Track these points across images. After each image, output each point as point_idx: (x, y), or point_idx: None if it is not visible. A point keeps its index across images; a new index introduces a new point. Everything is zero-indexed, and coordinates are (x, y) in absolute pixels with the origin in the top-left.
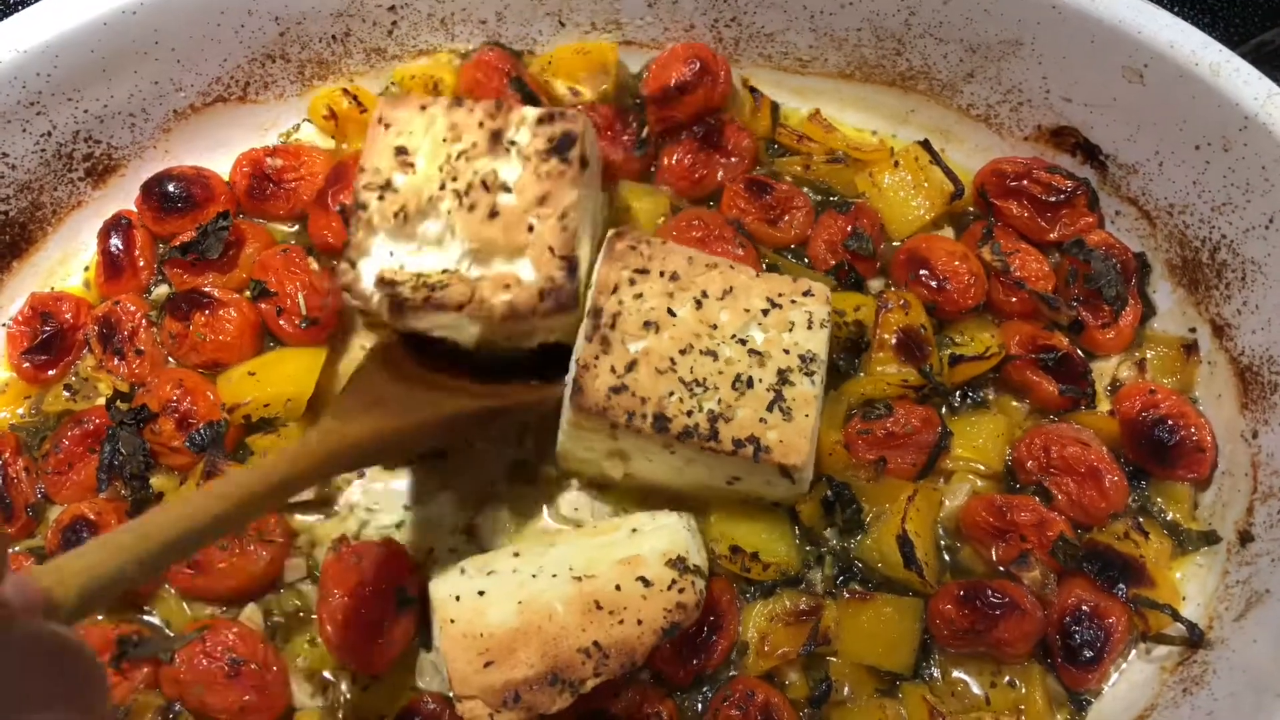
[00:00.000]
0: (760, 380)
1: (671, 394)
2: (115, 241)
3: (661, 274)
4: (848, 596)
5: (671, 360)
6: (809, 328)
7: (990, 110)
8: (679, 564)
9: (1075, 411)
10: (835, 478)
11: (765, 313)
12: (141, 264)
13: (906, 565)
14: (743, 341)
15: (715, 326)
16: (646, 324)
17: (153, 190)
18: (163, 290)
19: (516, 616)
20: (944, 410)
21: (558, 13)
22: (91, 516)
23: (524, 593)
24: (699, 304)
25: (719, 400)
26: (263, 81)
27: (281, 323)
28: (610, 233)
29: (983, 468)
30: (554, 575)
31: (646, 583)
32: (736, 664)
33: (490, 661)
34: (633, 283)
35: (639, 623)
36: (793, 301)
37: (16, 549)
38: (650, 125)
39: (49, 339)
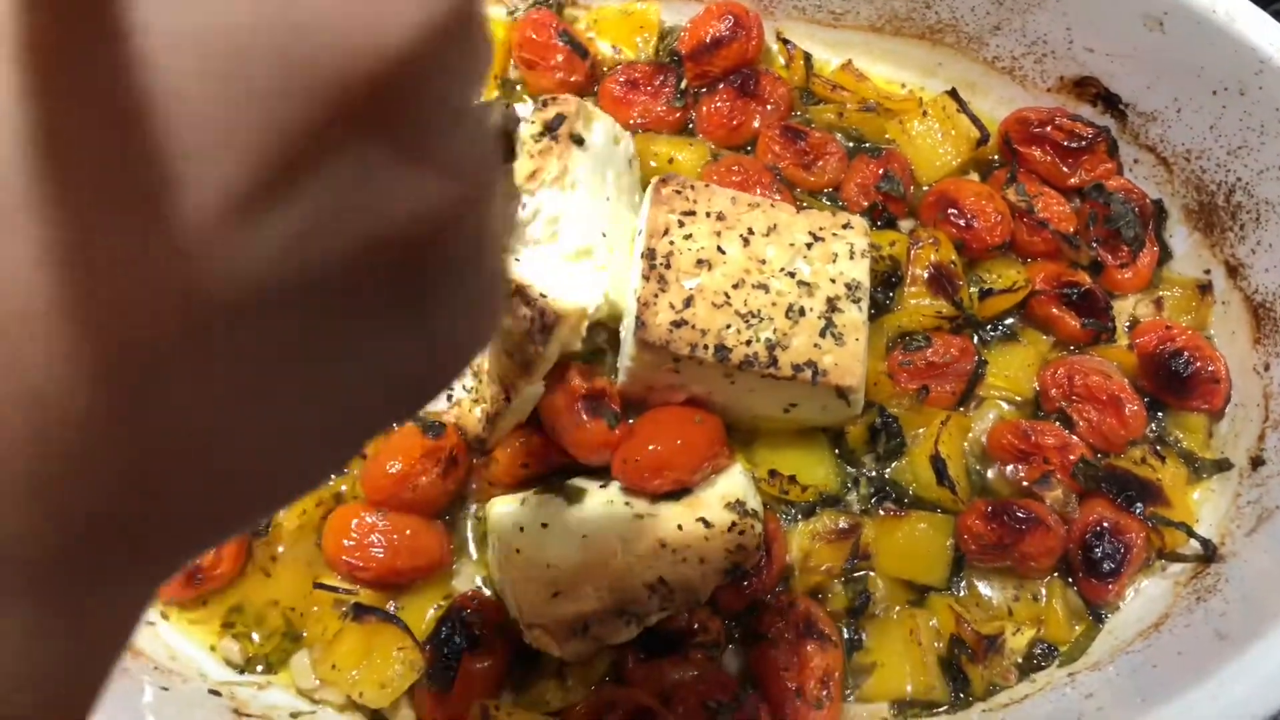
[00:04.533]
0: (811, 309)
1: (729, 326)
2: None
3: (708, 214)
4: (883, 514)
5: (726, 295)
6: (851, 258)
7: (1015, 62)
8: (738, 507)
9: (1097, 345)
10: (886, 408)
11: (809, 246)
12: None
13: (939, 482)
14: (791, 274)
15: (764, 261)
16: (699, 262)
17: None
18: None
19: (580, 551)
20: (976, 341)
21: None
22: None
23: (588, 528)
24: (746, 241)
25: (774, 330)
26: None
27: None
28: (655, 180)
29: (1016, 396)
30: (617, 515)
31: (707, 524)
32: (785, 587)
33: (559, 592)
34: (681, 224)
35: (701, 561)
36: (834, 234)
37: None
38: (688, 79)
39: None
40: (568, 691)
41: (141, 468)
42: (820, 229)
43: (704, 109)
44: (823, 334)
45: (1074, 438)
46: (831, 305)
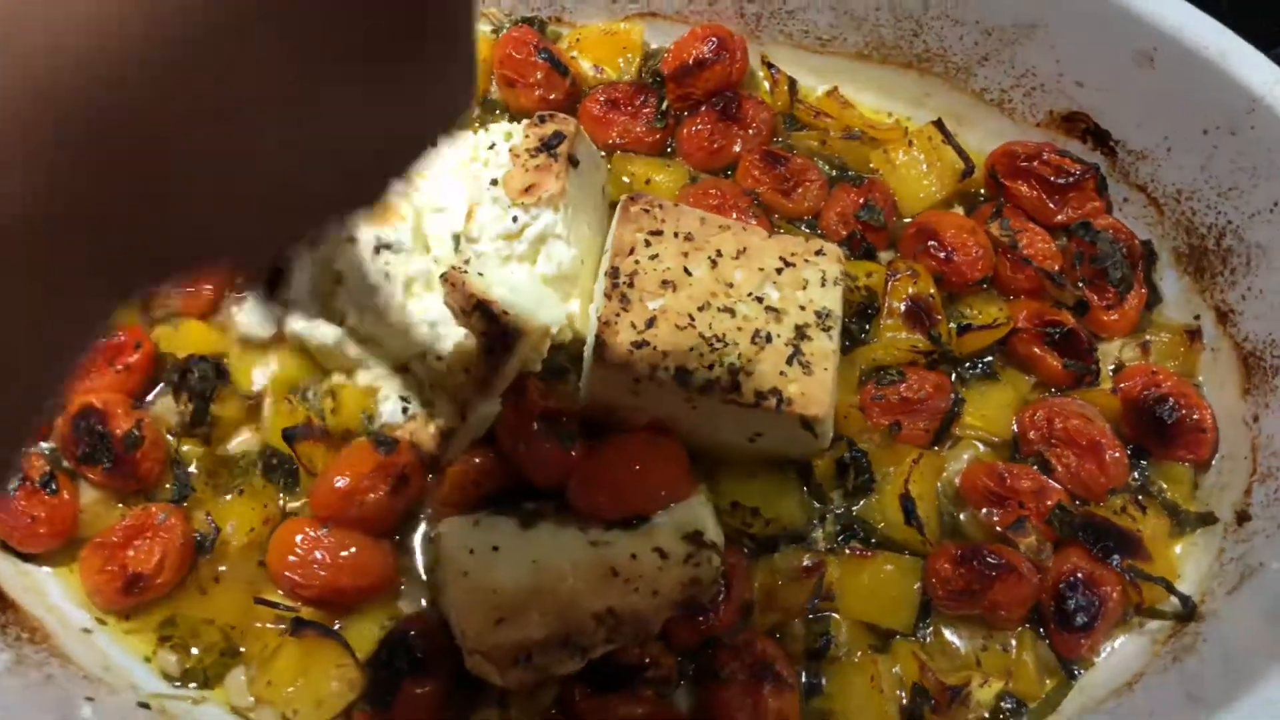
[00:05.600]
0: (778, 335)
1: (692, 349)
2: None
3: (676, 234)
4: (849, 554)
5: (690, 317)
6: (823, 285)
7: (1004, 95)
8: (696, 538)
9: (1079, 388)
10: (855, 442)
11: (779, 271)
12: None
13: (907, 521)
14: (759, 299)
15: (731, 285)
16: (664, 283)
17: None
18: None
19: (529, 576)
20: (954, 379)
21: None
22: (99, 405)
23: (537, 552)
24: (714, 263)
25: (739, 355)
26: None
27: None
28: (623, 197)
29: (993, 438)
30: (570, 541)
31: (663, 554)
32: (743, 625)
33: (502, 619)
34: (648, 244)
35: (655, 594)
36: (806, 260)
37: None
38: (670, 100)
39: None
40: None
41: (165, 161)
42: (792, 254)
43: (685, 131)
44: (789, 361)
45: (1052, 483)
46: (800, 333)
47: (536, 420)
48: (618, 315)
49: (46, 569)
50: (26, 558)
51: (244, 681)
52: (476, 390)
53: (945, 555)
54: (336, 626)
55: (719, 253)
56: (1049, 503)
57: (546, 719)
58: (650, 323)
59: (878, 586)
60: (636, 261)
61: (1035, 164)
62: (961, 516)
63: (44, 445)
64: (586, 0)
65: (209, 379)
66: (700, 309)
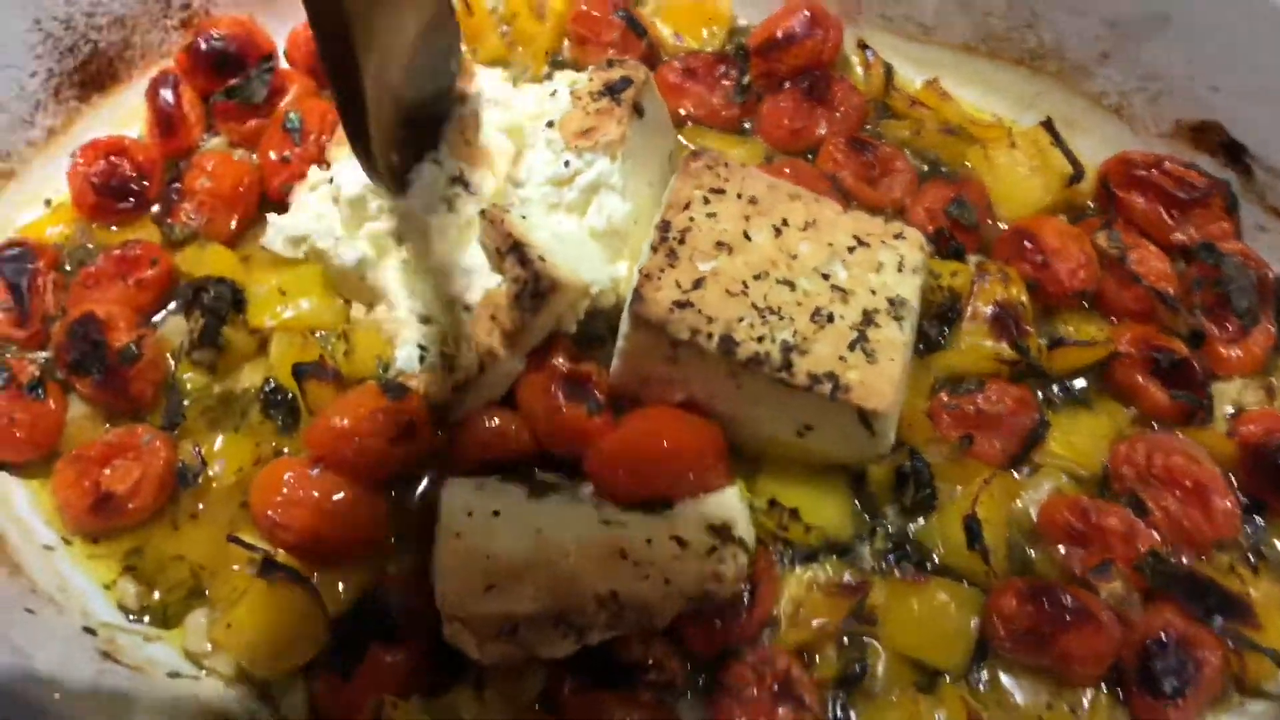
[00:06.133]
0: (842, 317)
1: (742, 319)
2: (165, 95)
3: (739, 196)
4: (899, 576)
5: (744, 284)
6: (899, 271)
7: (1124, 99)
8: (722, 532)
9: (1188, 426)
10: (920, 452)
11: (851, 250)
12: (192, 119)
13: (970, 545)
14: (825, 276)
15: (795, 257)
16: (719, 244)
17: (198, 48)
18: (216, 142)
19: (530, 546)
20: (1040, 399)
21: None
22: (100, 315)
23: (542, 522)
24: (778, 231)
25: (794, 332)
26: None
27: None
28: (687, 153)
29: (1080, 470)
30: (581, 516)
31: (682, 543)
32: (767, 638)
33: (491, 586)
34: (706, 201)
35: (666, 582)
36: (883, 242)
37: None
38: (753, 75)
39: (117, 183)
40: (484, 707)
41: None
42: (868, 234)
43: (765, 108)
44: (852, 346)
45: (1146, 527)
46: (868, 318)
47: (561, 382)
48: (662, 271)
49: (19, 480)
50: (2, 466)
51: (204, 625)
52: (501, 342)
53: (1011, 590)
54: (314, 579)
55: (785, 221)
56: (1141, 548)
57: (528, 713)
58: (698, 283)
59: (929, 617)
60: (691, 218)
61: (1155, 174)
62: (1033, 552)
63: (41, 354)
64: None
65: (224, 300)
66: (756, 277)
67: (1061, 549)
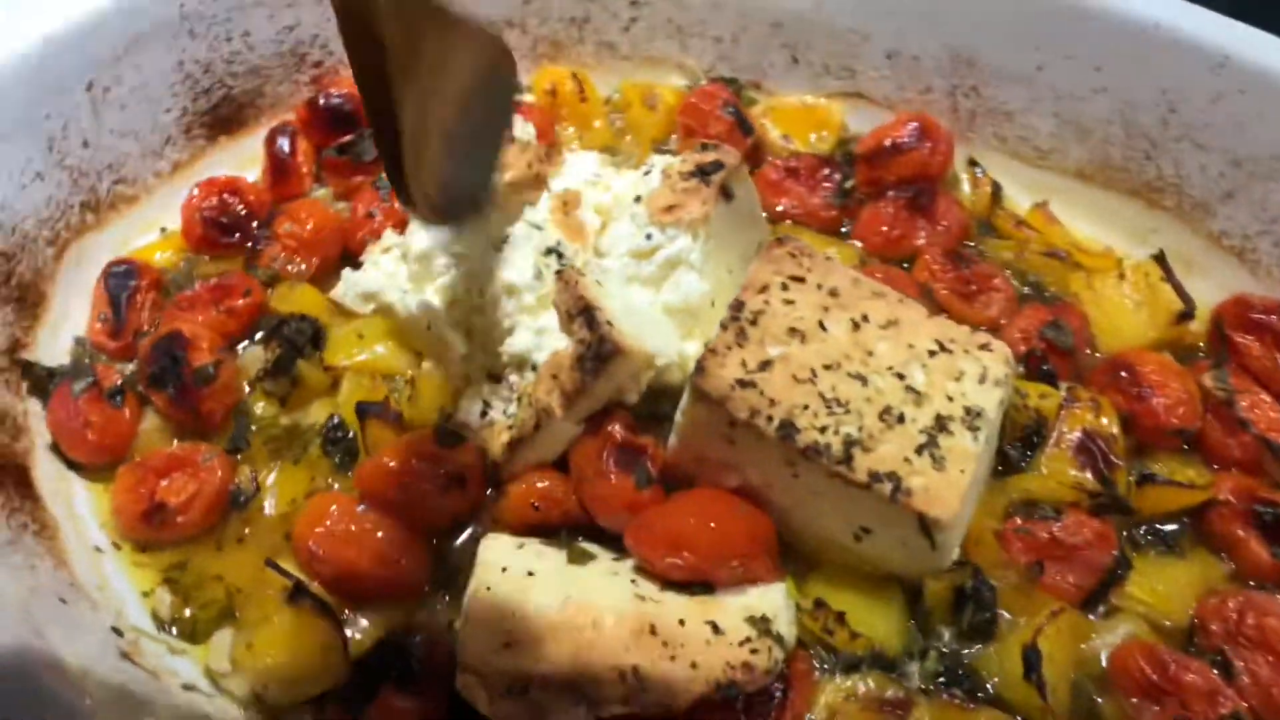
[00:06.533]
0: (914, 420)
1: (806, 406)
2: (282, 144)
3: (819, 287)
4: (946, 699)
5: (813, 372)
6: (981, 382)
7: (1247, 242)
8: (761, 624)
9: None
10: (984, 574)
11: (932, 354)
12: (305, 169)
13: (1026, 675)
14: (900, 376)
15: (871, 353)
16: (792, 330)
17: (318, 104)
18: (323, 193)
19: (556, 610)
20: (1124, 538)
21: (793, 46)
22: (186, 334)
23: (576, 589)
24: (856, 326)
25: (860, 427)
26: None
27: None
28: (773, 238)
29: (1162, 619)
30: (616, 588)
31: (717, 629)
32: None
33: (511, 644)
34: (785, 288)
35: (693, 666)
36: (966, 351)
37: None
38: (857, 181)
39: (226, 219)
40: None
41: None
42: (951, 340)
43: (866, 213)
44: (920, 451)
45: (1230, 689)
46: (940, 424)
47: (614, 450)
48: (729, 348)
49: (84, 482)
50: (72, 466)
51: (228, 645)
52: (559, 402)
53: None
54: (344, 616)
55: (865, 317)
56: (1222, 711)
57: None
58: (764, 365)
59: None
60: (767, 301)
61: (1275, 319)
62: (1102, 700)
63: (128, 367)
64: (791, 71)
65: (304, 335)
66: (827, 367)
67: (1134, 701)
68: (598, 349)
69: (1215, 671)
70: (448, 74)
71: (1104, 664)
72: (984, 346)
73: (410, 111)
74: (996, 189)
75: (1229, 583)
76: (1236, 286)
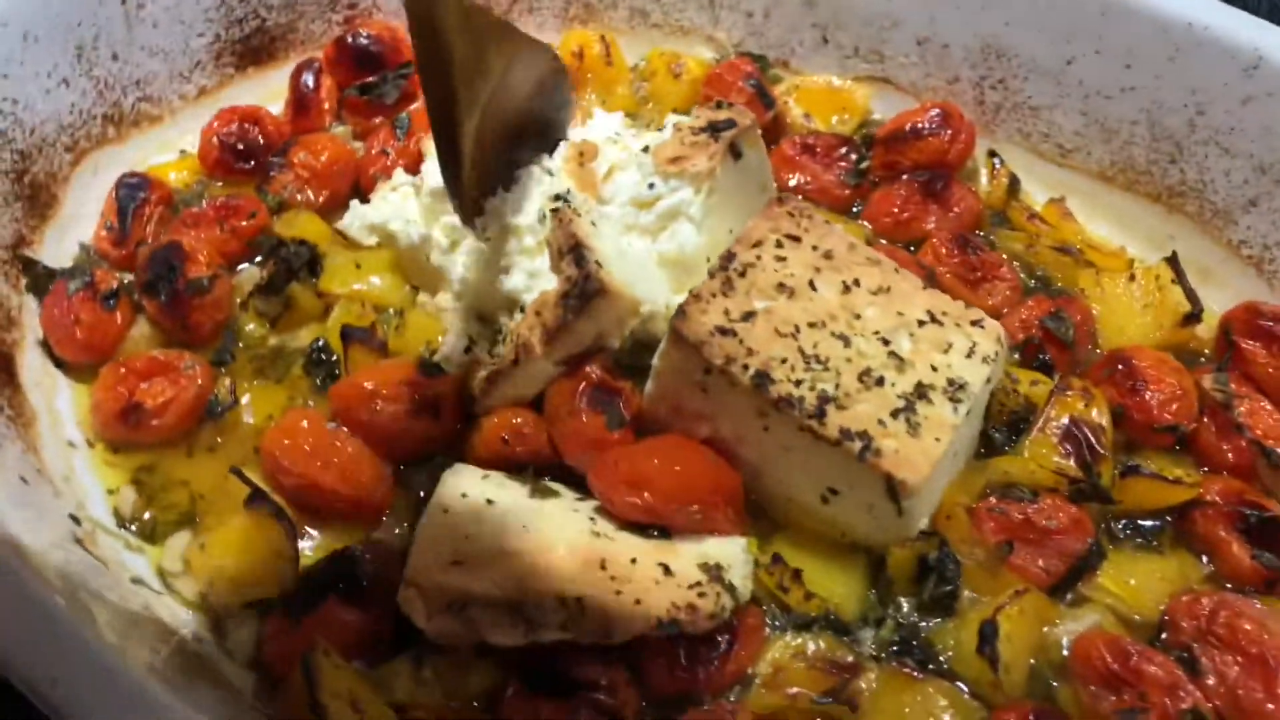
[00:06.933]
0: (893, 384)
1: (784, 360)
2: (306, 79)
3: (815, 248)
4: (896, 666)
5: (795, 328)
6: (968, 356)
7: (1267, 252)
8: (713, 570)
9: (1270, 594)
10: (950, 546)
11: (921, 324)
12: (326, 105)
13: (980, 648)
14: (885, 341)
15: (858, 316)
16: (781, 286)
17: (345, 42)
18: (342, 130)
19: (510, 537)
20: (1101, 529)
21: (825, 26)
22: (185, 245)
23: (532, 520)
24: (846, 289)
25: (836, 385)
26: (529, 4)
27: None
28: (775, 197)
29: (1133, 615)
30: (573, 523)
31: (668, 571)
32: (735, 696)
33: (459, 563)
34: (780, 245)
35: (637, 602)
36: (957, 325)
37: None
38: (873, 163)
39: (243, 146)
40: (419, 687)
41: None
42: (943, 312)
43: (878, 194)
44: (895, 414)
45: (1191, 685)
46: (920, 391)
47: (589, 389)
48: (714, 295)
49: (69, 381)
50: (59, 364)
51: (183, 547)
52: (540, 338)
53: (1017, 712)
54: (300, 533)
55: (857, 282)
56: (1181, 705)
57: (465, 708)
58: (747, 316)
59: (918, 717)
60: (759, 256)
61: None
62: (1057, 685)
63: (128, 276)
64: (820, 51)
65: (301, 259)
66: (811, 325)
67: (1091, 689)
68: (583, 287)
69: (1179, 668)
70: (509, 88)
71: (1066, 651)
72: (976, 323)
73: (472, 124)
74: (1014, 181)
75: (1206, 584)
76: (1252, 298)
